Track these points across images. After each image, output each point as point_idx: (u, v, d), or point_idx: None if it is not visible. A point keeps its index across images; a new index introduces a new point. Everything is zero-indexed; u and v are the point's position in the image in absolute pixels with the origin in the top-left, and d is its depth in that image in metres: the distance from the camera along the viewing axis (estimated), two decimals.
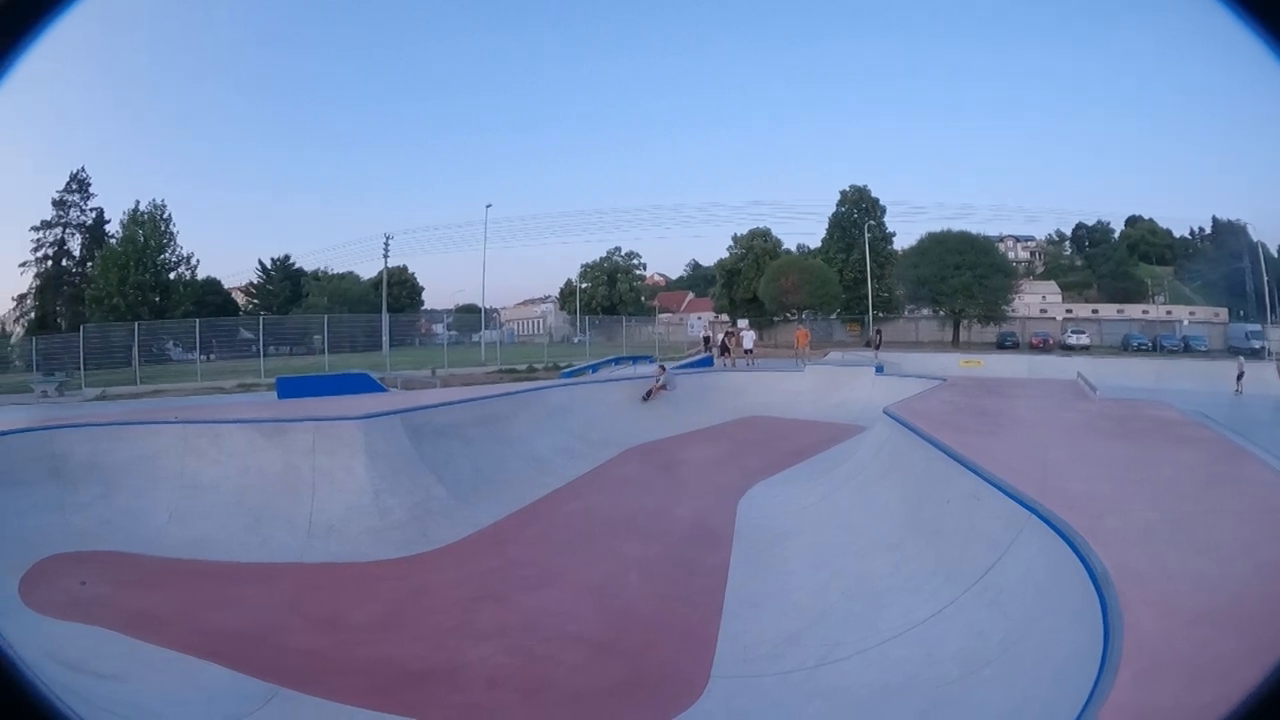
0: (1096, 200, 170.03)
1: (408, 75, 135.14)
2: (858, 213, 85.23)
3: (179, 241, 72.80)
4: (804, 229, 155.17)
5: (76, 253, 75.03)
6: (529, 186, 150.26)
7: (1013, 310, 74.40)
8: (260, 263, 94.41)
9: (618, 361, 41.94)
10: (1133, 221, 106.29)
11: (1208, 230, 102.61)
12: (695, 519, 13.71)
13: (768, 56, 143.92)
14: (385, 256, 77.24)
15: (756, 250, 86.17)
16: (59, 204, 73.86)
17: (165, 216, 71.48)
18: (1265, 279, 67.30)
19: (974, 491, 8.85)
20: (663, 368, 28.08)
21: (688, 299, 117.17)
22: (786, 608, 9.10)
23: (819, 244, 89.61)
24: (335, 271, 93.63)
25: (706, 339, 53.53)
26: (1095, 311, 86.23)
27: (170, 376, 41.49)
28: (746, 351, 38.62)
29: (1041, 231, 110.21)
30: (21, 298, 74.34)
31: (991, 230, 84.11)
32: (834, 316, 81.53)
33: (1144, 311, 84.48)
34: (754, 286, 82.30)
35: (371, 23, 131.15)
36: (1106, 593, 5.12)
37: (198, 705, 7.21)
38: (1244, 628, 4.53)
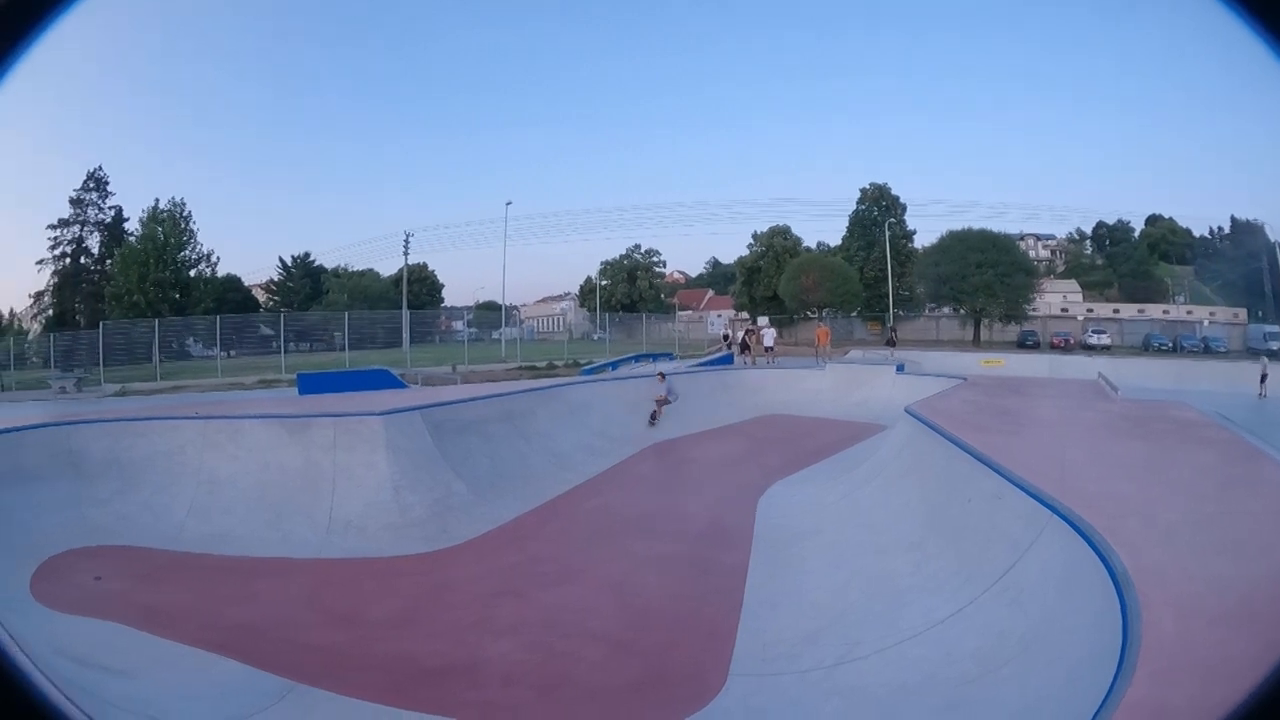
0: (1117, 199, 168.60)
1: (428, 72, 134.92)
2: (878, 210, 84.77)
3: (199, 239, 73.10)
4: (824, 227, 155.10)
5: (95, 250, 75.20)
6: (549, 184, 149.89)
7: (1034, 309, 73.92)
8: (280, 260, 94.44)
9: (638, 359, 41.88)
10: (1153, 220, 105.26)
11: (1226, 230, 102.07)
12: (715, 517, 13.71)
13: (787, 53, 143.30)
14: (405, 254, 77.70)
15: (777, 248, 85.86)
16: (76, 202, 74.06)
17: (185, 214, 71.68)
18: None
19: (996, 491, 8.83)
20: (662, 375, 24.41)
21: (707, 296, 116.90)
22: (805, 606, 9.10)
23: (839, 242, 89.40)
24: (355, 269, 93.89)
25: (726, 337, 53.43)
26: (1116, 311, 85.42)
27: (191, 373, 41.65)
28: (767, 349, 38.46)
29: (1062, 230, 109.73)
30: (39, 295, 74.58)
31: (1012, 228, 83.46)
32: (854, 315, 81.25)
33: (1164, 311, 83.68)
34: (774, 284, 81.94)
35: (392, 19, 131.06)
36: (1126, 593, 5.10)
37: (209, 701, 7.23)
38: (1262, 628, 4.52)
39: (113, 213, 75.36)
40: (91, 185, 74.35)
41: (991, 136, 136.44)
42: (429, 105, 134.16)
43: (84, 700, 4.96)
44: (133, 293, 64.80)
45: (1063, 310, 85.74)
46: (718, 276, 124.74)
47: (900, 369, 29.47)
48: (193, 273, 72.28)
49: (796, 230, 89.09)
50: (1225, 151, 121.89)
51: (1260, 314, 76.38)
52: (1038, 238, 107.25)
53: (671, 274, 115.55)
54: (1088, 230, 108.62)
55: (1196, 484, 9.22)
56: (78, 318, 68.48)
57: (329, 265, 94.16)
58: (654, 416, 22.42)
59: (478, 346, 60.40)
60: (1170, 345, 67.17)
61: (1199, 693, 3.81)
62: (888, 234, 78.71)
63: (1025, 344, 68.28)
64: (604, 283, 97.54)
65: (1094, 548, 6.08)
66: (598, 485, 16.33)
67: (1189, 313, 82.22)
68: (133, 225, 73.20)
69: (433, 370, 39.06)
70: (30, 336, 64.55)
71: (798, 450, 19.11)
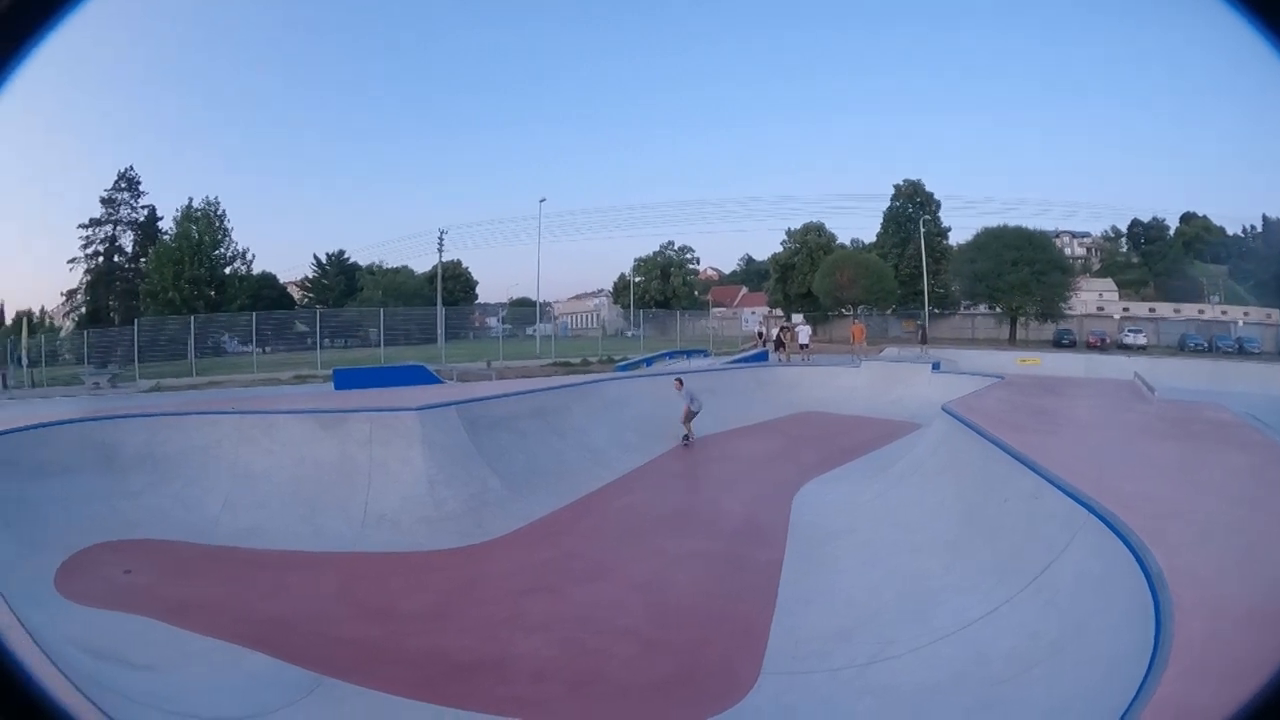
0: (1152, 196, 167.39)
1: (461, 69, 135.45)
2: (912, 207, 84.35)
3: (234, 237, 73.41)
4: (856, 223, 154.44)
5: (129, 249, 75.89)
6: (582, 180, 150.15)
7: (1069, 308, 73.21)
8: (315, 257, 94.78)
9: (672, 355, 41.87)
10: (1187, 218, 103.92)
11: (1259, 229, 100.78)
12: (749, 514, 13.70)
13: (820, 49, 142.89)
14: (440, 251, 77.88)
15: (810, 245, 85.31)
16: (107, 202, 74.59)
17: (219, 213, 72.02)
18: None
19: (1033, 491, 8.79)
20: (680, 381, 21.51)
21: (741, 293, 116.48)
22: (839, 604, 9.09)
23: (873, 239, 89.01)
24: (390, 266, 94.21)
25: (761, 334, 53.31)
26: (1152, 310, 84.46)
27: (226, 369, 41.77)
28: (802, 346, 38.42)
29: (1097, 227, 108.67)
30: (71, 293, 75.35)
31: (1047, 225, 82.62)
32: (889, 312, 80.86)
33: (1199, 311, 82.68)
34: (808, 281, 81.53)
35: (426, 16, 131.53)
36: (1161, 594, 5.08)
37: (233, 694, 7.25)
38: None
39: (145, 212, 76.00)
40: (123, 185, 74.98)
41: (1024, 132, 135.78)
42: (463, 103, 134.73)
43: (99, 695, 4.91)
44: (168, 290, 65.14)
45: (1098, 309, 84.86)
46: (751, 273, 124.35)
47: (936, 367, 29.30)
48: (228, 270, 72.62)
49: (830, 227, 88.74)
50: (1259, 149, 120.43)
51: None
52: (1073, 235, 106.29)
53: (705, 271, 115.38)
54: (1123, 228, 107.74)
55: (1231, 486, 9.09)
56: (112, 315, 68.97)
57: (363, 262, 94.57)
58: (687, 438, 20.32)
59: (512, 343, 60.41)
60: (1205, 345, 66.38)
61: (1224, 692, 3.75)
62: (922, 230, 78.16)
63: (1061, 343, 67.67)
64: (638, 279, 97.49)
65: (1131, 549, 6.04)
66: (631, 482, 16.35)
67: (1223, 313, 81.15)
68: (166, 224, 73.80)
69: (467, 366, 39.10)
70: (62, 334, 65.22)
71: (833, 448, 19.10)
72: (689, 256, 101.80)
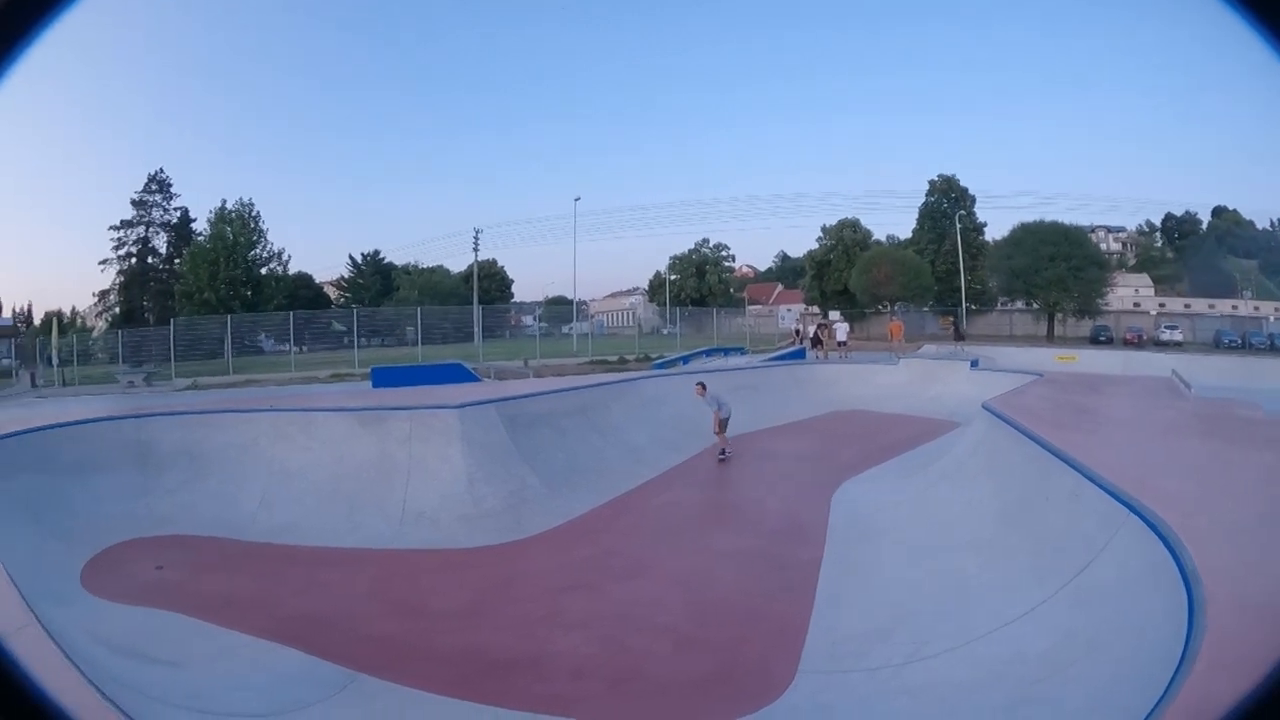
0: (1183, 190, 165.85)
1: (495, 67, 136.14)
2: (947, 202, 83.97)
3: (269, 238, 74.26)
4: (891, 220, 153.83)
5: (163, 250, 77.07)
6: (617, 179, 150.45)
7: (1106, 304, 72.60)
8: (350, 257, 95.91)
9: (709, 353, 41.76)
10: (1219, 212, 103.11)
11: None
12: (788, 512, 13.66)
13: (852, 47, 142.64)
14: (475, 249, 78.28)
15: (846, 241, 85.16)
16: (139, 204, 75.75)
17: (254, 214, 72.96)
18: None
19: (1073, 489, 8.74)
20: (702, 386, 19.26)
21: (777, 290, 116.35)
22: (877, 604, 9.07)
23: (908, 235, 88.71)
24: (425, 265, 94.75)
25: (798, 331, 53.18)
26: (1187, 306, 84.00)
27: (263, 367, 42.15)
28: (840, 344, 38.29)
29: (1132, 222, 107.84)
30: (103, 293, 76.75)
31: (1082, 220, 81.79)
32: (926, 309, 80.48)
33: (1233, 307, 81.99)
34: (845, 278, 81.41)
35: (460, 13, 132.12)
36: (1195, 591, 5.07)
37: (262, 691, 7.27)
38: None
39: (178, 214, 77.21)
40: (154, 188, 76.07)
41: (1058, 126, 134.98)
42: (497, 101, 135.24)
43: (116, 692, 4.87)
44: (203, 290, 65.90)
45: (1135, 305, 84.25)
46: (786, 270, 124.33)
47: (974, 364, 29.06)
48: (264, 270, 73.35)
49: (865, 223, 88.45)
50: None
51: None
52: (1108, 230, 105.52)
53: (740, 268, 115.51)
54: (1157, 222, 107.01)
55: (1268, 484, 9.08)
56: (146, 315, 69.93)
57: (399, 262, 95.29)
58: (724, 452, 18.18)
59: (548, 341, 60.71)
60: (1239, 342, 65.70)
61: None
62: (958, 226, 77.70)
63: (1099, 339, 66.90)
64: (673, 277, 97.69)
65: (1168, 546, 6.02)
66: (670, 479, 16.35)
67: (1255, 308, 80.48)
68: (200, 226, 74.92)
69: (504, 364, 39.20)
70: (95, 334, 65.90)
71: (871, 446, 19.01)
72: (724, 254, 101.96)
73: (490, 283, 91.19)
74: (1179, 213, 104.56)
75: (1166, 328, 69.77)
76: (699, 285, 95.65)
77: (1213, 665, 4.00)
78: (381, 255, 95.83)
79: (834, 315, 66.59)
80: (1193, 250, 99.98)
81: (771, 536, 12.29)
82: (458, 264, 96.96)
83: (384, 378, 26.10)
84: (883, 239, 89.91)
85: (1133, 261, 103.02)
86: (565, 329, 72.02)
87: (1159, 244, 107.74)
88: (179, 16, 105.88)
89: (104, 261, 75.62)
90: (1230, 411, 15.59)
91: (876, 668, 7.35)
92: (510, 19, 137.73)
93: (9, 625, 4.89)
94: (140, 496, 13.32)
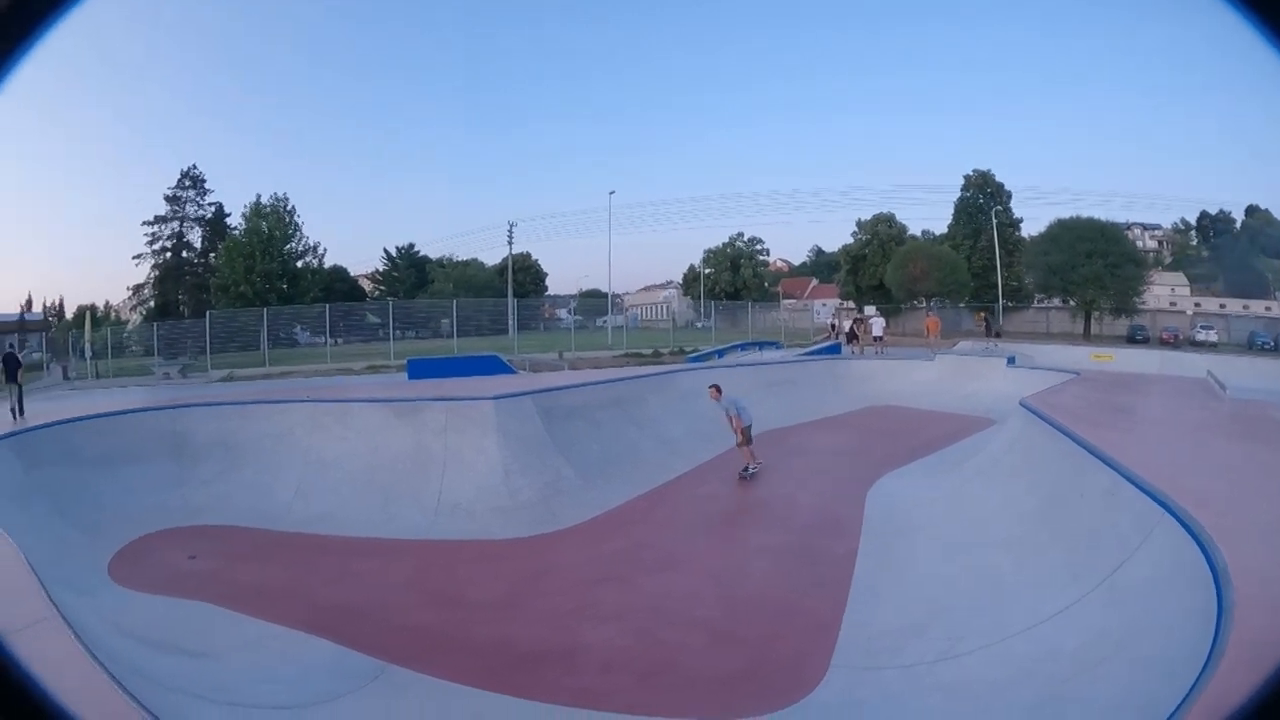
0: (1216, 188, 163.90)
1: (529, 61, 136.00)
2: (982, 198, 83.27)
3: (304, 231, 74.61)
4: (926, 214, 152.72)
5: (198, 245, 77.43)
6: (652, 172, 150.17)
7: (1143, 303, 71.79)
8: (385, 251, 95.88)
9: (744, 347, 41.66)
10: (1251, 211, 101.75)
11: None
12: (822, 508, 13.65)
13: (887, 43, 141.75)
14: (510, 243, 78.21)
15: (881, 236, 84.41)
16: (172, 199, 76.05)
17: (289, 208, 73.33)
18: None
19: (1109, 487, 8.69)
20: (717, 388, 17.08)
21: (811, 285, 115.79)
22: (911, 600, 9.08)
23: (944, 229, 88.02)
24: (459, 259, 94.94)
25: (833, 325, 52.91)
26: (1223, 306, 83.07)
27: (298, 359, 42.34)
28: (875, 339, 38.00)
29: (1167, 219, 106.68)
30: (138, 288, 77.08)
31: (1117, 216, 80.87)
32: (962, 305, 79.90)
33: (1267, 308, 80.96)
34: (880, 273, 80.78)
35: (497, 8, 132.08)
36: (1225, 592, 5.06)
37: (289, 684, 7.32)
38: None
39: (213, 209, 77.42)
40: (188, 183, 76.36)
41: (1092, 122, 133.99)
42: (531, 95, 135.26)
43: (136, 683, 4.82)
44: (239, 283, 66.13)
45: (1171, 304, 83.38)
46: (821, 265, 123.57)
47: (1011, 361, 28.81)
48: (299, 264, 73.68)
49: (900, 218, 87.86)
50: None
51: None
52: (1144, 227, 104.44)
53: (775, 262, 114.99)
54: (1192, 220, 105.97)
55: None
56: (181, 309, 70.27)
57: (433, 255, 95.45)
58: (747, 469, 16.07)
59: (583, 334, 60.54)
60: (1272, 344, 64.81)
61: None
62: (994, 222, 77.11)
63: (1135, 338, 66.04)
64: (707, 271, 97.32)
65: (1200, 546, 6.00)
66: (706, 472, 16.38)
67: None
68: (235, 220, 75.29)
69: (539, 357, 39.19)
70: (130, 327, 66.36)
71: (907, 442, 18.93)
72: (759, 248, 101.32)
73: (524, 276, 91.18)
74: (1214, 210, 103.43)
75: (1202, 328, 68.81)
76: (733, 279, 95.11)
77: (1238, 665, 3.99)
78: (416, 249, 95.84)
79: (869, 310, 66.07)
80: (1227, 249, 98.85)
81: (806, 531, 12.28)
82: (492, 257, 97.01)
83: (420, 369, 26.21)
84: (918, 234, 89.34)
85: (1169, 260, 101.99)
86: (599, 322, 72.11)
87: (1194, 242, 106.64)
88: (211, 11, 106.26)
89: (138, 256, 76.02)
90: (1265, 413, 15.48)
91: (910, 664, 7.37)
92: (546, 15, 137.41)
93: (28, 617, 4.88)
94: (175, 487, 13.43)
